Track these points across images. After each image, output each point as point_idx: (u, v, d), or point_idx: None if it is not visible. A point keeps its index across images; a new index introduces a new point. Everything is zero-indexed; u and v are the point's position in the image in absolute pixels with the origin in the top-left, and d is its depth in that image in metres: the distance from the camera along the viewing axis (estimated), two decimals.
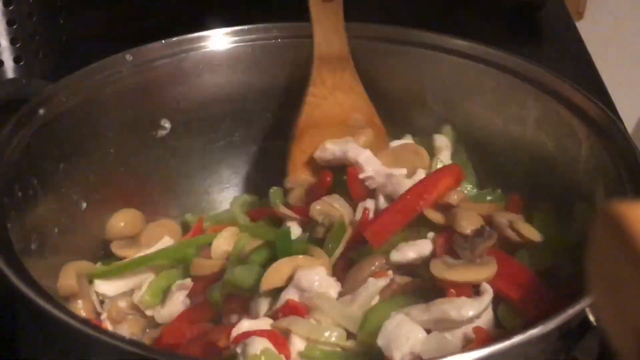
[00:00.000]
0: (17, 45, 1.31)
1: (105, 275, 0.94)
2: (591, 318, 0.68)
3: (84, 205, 0.97)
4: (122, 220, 1.00)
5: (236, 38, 1.07)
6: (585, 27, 1.62)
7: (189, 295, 0.92)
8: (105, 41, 1.34)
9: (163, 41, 1.04)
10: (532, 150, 0.99)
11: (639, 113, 2.13)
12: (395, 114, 1.08)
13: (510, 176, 1.00)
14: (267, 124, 1.11)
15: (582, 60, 1.44)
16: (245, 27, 1.08)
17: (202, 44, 1.06)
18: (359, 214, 0.93)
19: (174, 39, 1.05)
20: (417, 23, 1.09)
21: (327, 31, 1.03)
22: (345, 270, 0.87)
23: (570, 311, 0.68)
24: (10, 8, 1.28)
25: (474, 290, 0.80)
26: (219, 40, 1.07)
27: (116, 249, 0.99)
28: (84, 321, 0.70)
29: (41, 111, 0.92)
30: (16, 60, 1.32)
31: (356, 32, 1.07)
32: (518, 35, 1.53)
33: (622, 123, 1.21)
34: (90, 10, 1.56)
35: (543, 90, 0.97)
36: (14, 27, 1.29)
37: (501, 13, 1.55)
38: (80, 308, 0.90)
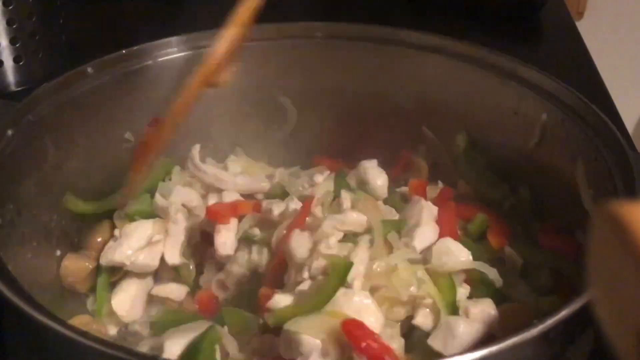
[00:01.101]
0: (17, 45, 1.31)
1: None
2: (585, 319, 0.68)
3: (55, 226, 0.96)
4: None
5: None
6: (585, 27, 1.62)
7: None
8: (104, 41, 1.34)
9: (124, 51, 1.03)
10: (527, 152, 0.99)
11: (639, 113, 2.13)
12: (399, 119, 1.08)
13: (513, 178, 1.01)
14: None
15: (582, 60, 1.44)
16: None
17: (167, 50, 1.05)
18: None
19: (135, 47, 1.03)
20: (416, 24, 1.09)
21: None
22: None
23: (564, 313, 0.68)
24: (10, 8, 1.28)
25: None
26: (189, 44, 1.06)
27: None
28: (71, 327, 0.69)
29: (9, 132, 0.90)
30: (16, 60, 1.32)
31: (355, 34, 1.07)
32: (518, 35, 1.53)
33: (622, 123, 1.22)
34: (90, 10, 1.56)
35: (536, 91, 0.97)
36: (14, 27, 1.29)
37: (501, 13, 1.54)
38: None
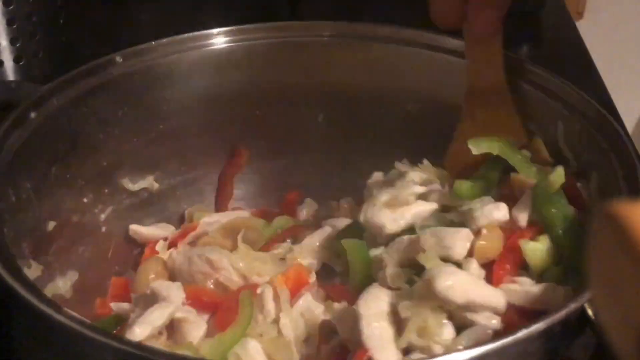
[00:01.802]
0: (17, 45, 1.31)
1: None
2: (589, 315, 0.68)
3: (76, 210, 0.96)
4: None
5: (232, 38, 1.06)
6: (585, 27, 1.62)
7: None
8: (105, 41, 1.34)
9: (153, 42, 1.03)
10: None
11: (639, 113, 2.13)
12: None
13: None
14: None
15: (582, 60, 1.44)
16: (242, 27, 1.07)
17: (198, 43, 1.05)
18: None
19: (164, 40, 1.03)
20: (415, 22, 1.09)
21: (480, 64, 0.97)
22: None
23: (568, 309, 0.68)
24: (10, 8, 1.27)
25: None
26: (214, 40, 1.06)
27: None
28: (80, 322, 0.69)
29: (32, 114, 0.91)
30: (16, 60, 1.31)
31: (353, 32, 1.07)
32: (518, 35, 1.53)
33: (622, 123, 1.22)
34: (90, 10, 1.56)
35: (542, 91, 0.97)
36: (14, 27, 1.29)
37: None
38: None
